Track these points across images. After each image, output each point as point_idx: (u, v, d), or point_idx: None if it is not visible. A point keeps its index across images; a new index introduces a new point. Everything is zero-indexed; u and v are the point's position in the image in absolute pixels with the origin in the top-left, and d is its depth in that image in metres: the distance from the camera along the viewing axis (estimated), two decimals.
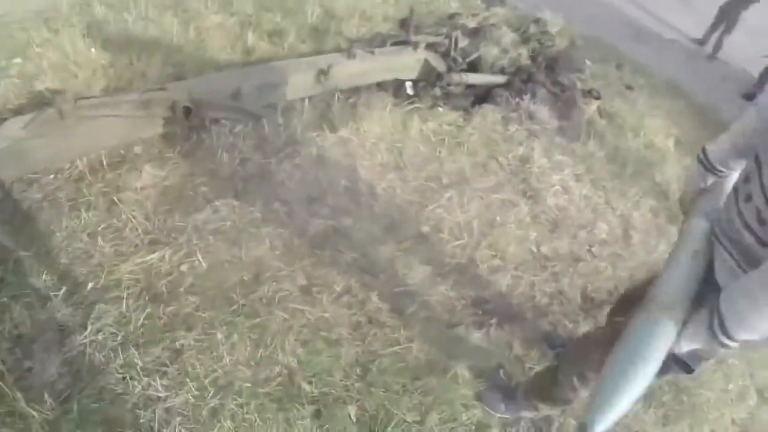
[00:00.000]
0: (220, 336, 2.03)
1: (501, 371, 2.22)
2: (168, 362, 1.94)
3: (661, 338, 1.19)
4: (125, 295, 2.08)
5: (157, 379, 1.89)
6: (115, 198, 2.40)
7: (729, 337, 1.10)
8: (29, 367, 1.85)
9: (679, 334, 1.19)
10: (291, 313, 2.17)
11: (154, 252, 2.24)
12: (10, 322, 1.94)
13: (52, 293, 2.04)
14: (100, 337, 1.95)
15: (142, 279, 2.15)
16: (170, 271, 2.20)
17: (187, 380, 1.90)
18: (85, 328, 1.95)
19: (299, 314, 2.17)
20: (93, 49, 3.04)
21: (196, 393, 1.88)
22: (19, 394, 1.75)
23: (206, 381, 1.91)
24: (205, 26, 3.37)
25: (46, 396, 1.77)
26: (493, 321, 2.38)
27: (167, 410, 1.83)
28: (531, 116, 3.29)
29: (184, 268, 2.22)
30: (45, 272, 2.10)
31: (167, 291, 2.14)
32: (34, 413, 1.73)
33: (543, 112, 3.39)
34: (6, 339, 1.90)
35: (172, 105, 2.57)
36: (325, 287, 2.30)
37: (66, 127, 2.28)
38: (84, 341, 1.93)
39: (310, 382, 1.98)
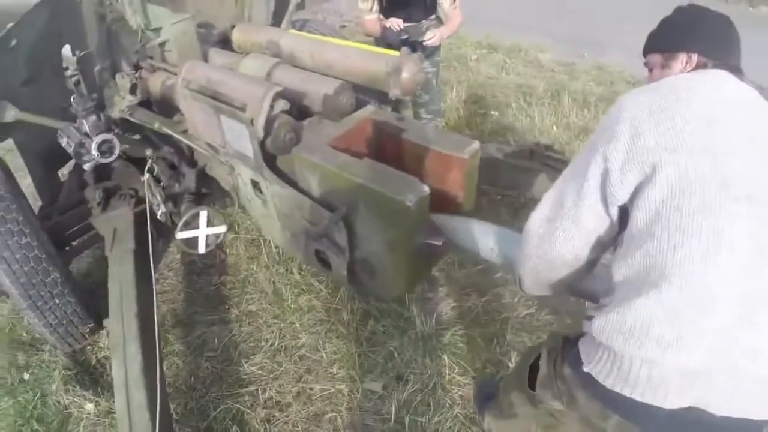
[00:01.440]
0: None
1: None
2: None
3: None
4: None
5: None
6: None
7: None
8: (428, 297, 2.66)
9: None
10: None
11: None
12: None
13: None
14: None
15: None
16: None
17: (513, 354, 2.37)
18: (483, 296, 2.68)
19: None
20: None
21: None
22: (414, 309, 2.52)
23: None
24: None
25: (433, 319, 2.49)
26: None
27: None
28: None
29: None
30: None
31: None
32: (419, 324, 2.46)
33: None
34: None
35: None
36: None
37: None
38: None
39: None
